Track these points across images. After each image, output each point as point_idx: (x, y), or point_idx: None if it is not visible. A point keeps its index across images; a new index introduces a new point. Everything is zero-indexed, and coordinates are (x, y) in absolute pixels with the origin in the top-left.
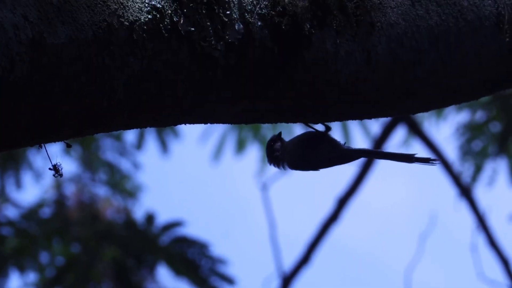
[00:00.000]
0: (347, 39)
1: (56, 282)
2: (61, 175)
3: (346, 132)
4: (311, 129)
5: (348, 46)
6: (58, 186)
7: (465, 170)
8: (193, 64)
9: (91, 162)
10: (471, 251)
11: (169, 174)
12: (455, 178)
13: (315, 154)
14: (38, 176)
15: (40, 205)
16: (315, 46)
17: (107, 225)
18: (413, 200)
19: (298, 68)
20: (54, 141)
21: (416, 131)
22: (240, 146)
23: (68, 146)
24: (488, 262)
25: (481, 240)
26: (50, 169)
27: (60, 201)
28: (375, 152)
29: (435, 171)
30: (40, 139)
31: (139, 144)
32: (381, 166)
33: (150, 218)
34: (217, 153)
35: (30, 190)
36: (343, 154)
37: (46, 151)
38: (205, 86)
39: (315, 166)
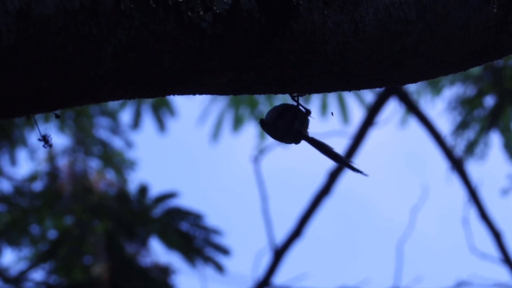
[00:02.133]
0: (335, 10)
1: (49, 256)
2: (50, 145)
3: (342, 102)
4: (293, 103)
5: (335, 17)
6: (51, 159)
7: (458, 144)
8: (181, 35)
9: (84, 139)
10: (463, 224)
11: (163, 148)
12: (447, 151)
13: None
14: (33, 152)
15: (33, 177)
16: (302, 16)
17: (99, 197)
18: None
19: (286, 39)
20: (41, 112)
21: (409, 104)
22: (237, 123)
23: (57, 116)
24: (480, 235)
25: (472, 213)
26: (39, 139)
27: (53, 174)
28: (327, 150)
29: (428, 145)
30: (27, 110)
31: (136, 122)
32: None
33: (143, 190)
34: (216, 132)
35: (25, 168)
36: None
37: (35, 121)
38: (192, 57)
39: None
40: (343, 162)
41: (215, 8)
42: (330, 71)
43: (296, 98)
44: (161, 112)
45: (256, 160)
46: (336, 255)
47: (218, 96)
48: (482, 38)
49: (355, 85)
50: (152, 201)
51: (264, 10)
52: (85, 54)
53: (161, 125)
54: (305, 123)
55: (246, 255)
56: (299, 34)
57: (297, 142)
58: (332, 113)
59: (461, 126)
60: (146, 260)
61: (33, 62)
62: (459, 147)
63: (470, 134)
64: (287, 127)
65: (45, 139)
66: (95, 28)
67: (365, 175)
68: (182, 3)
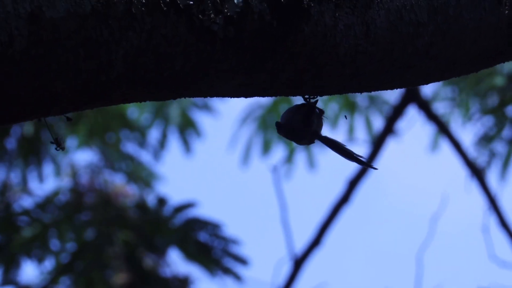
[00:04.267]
0: (346, 12)
1: (69, 269)
2: (63, 148)
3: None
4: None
5: (347, 19)
6: (74, 174)
7: (480, 155)
8: (192, 38)
9: (110, 154)
10: (483, 232)
11: (182, 161)
12: (468, 161)
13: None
14: (59, 169)
15: (55, 193)
16: (314, 19)
17: (119, 209)
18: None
19: (297, 42)
20: (53, 115)
21: (430, 115)
22: (266, 148)
23: (69, 119)
24: (500, 243)
25: (492, 221)
26: (51, 142)
27: (75, 189)
28: (336, 146)
29: (450, 154)
30: (38, 113)
31: (162, 143)
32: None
33: (162, 200)
34: (246, 156)
35: (51, 183)
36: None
37: (47, 125)
38: (203, 60)
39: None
40: (354, 158)
41: (226, 10)
42: (342, 74)
43: (308, 100)
44: (187, 134)
45: (275, 170)
46: (356, 258)
47: (246, 120)
48: (494, 39)
49: (367, 87)
50: (171, 212)
51: (275, 12)
52: (96, 58)
53: (187, 146)
54: (320, 123)
55: (266, 265)
56: (311, 36)
57: (312, 142)
58: (345, 116)
59: (484, 137)
60: (165, 270)
61: (44, 66)
62: (482, 158)
63: (493, 145)
64: (305, 123)
65: (57, 142)
66: (106, 32)
67: (375, 168)
68: (193, 6)
